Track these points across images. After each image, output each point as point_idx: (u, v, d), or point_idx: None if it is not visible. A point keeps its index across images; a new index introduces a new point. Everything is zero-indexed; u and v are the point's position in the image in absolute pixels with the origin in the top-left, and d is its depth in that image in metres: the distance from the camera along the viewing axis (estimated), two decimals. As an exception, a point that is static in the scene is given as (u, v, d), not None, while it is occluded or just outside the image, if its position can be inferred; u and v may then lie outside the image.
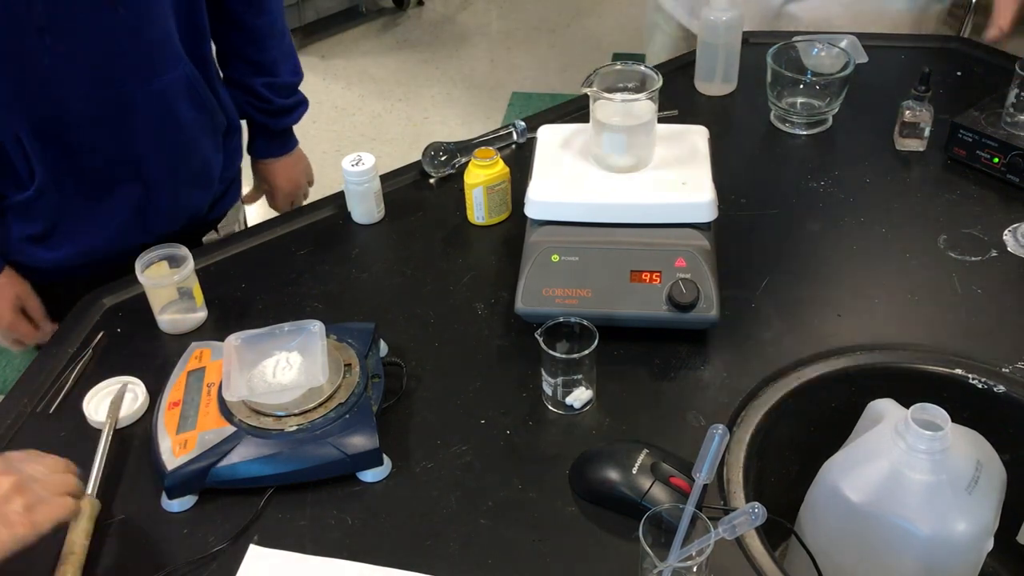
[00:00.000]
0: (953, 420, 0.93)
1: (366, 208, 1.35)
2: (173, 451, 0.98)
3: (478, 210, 1.33)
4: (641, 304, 1.11)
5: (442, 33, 4.06)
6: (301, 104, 1.55)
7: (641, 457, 0.96)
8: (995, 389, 1.09)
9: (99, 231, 1.32)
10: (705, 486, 0.87)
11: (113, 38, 1.19)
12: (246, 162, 1.56)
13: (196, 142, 1.35)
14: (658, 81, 1.14)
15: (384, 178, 1.40)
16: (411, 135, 3.42)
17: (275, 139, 1.56)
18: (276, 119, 1.52)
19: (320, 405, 1.01)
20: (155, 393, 1.09)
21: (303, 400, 1.01)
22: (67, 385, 1.12)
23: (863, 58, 1.62)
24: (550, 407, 1.08)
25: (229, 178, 1.48)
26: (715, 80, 1.59)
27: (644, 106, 1.15)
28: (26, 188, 1.25)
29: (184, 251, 1.18)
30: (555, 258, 1.13)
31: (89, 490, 0.97)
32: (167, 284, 1.17)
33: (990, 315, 1.17)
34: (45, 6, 1.12)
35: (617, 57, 3.70)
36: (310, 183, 1.67)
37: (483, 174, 1.30)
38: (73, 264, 1.33)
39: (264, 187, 1.62)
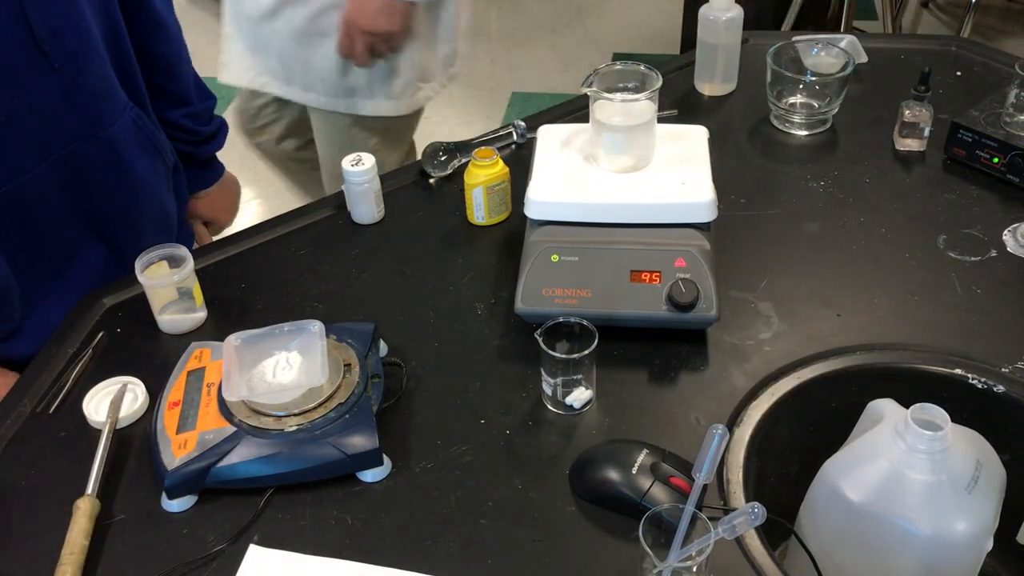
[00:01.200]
0: (953, 420, 0.93)
1: (366, 208, 1.35)
2: (173, 451, 0.98)
3: (478, 210, 1.33)
4: (641, 304, 1.11)
5: (442, 33, 4.06)
6: (222, 128, 1.49)
7: (641, 457, 0.96)
8: (995, 389, 1.09)
9: (67, 306, 1.25)
10: (705, 486, 0.87)
11: (55, 95, 1.14)
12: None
13: (151, 187, 1.30)
14: (658, 81, 1.14)
15: (384, 178, 1.40)
16: (411, 135, 3.42)
17: (204, 169, 1.50)
18: (202, 147, 1.46)
19: (320, 405, 1.01)
20: (155, 393, 1.09)
21: (303, 400, 1.01)
22: (67, 385, 1.12)
23: (863, 58, 1.62)
24: (550, 407, 1.08)
25: (182, 219, 1.44)
26: (715, 80, 1.59)
27: (644, 106, 1.15)
28: None
29: (184, 251, 1.18)
30: (555, 258, 1.13)
31: (89, 490, 0.97)
32: (167, 284, 1.17)
33: (990, 315, 1.17)
34: None
35: (617, 57, 3.70)
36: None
37: (483, 174, 1.30)
38: (39, 347, 1.21)
39: (199, 223, 1.53)
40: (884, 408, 1.02)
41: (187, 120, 1.41)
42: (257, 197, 3.11)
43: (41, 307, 1.23)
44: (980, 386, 1.09)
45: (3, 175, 1.14)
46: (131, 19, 1.26)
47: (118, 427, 1.06)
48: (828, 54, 1.52)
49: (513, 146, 1.51)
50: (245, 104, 1.93)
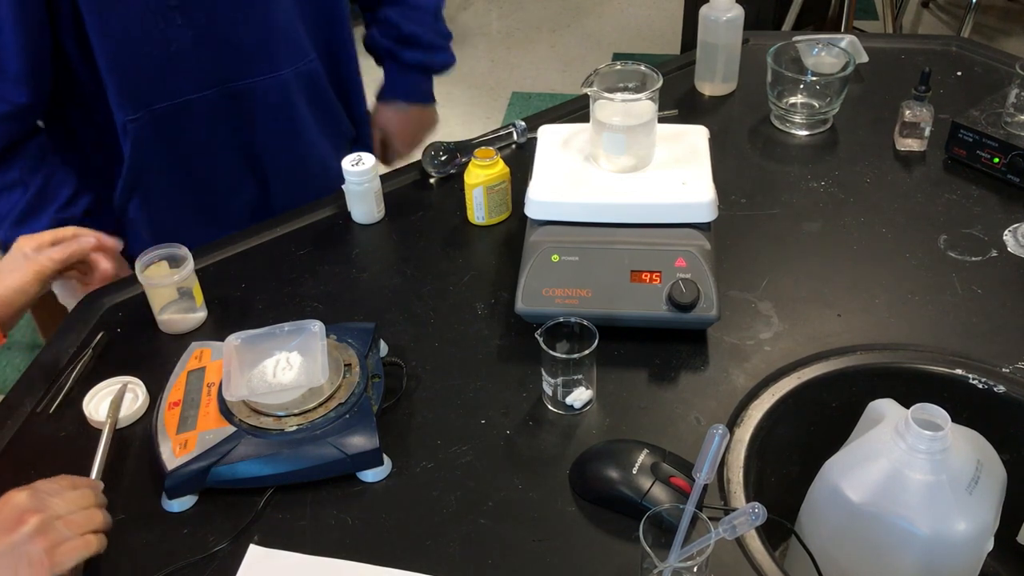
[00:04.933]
0: (953, 420, 0.93)
1: (366, 208, 1.35)
2: (173, 451, 0.98)
3: (478, 210, 1.33)
4: (641, 304, 1.11)
5: (442, 33, 4.05)
6: (442, 49, 1.42)
7: (641, 457, 0.96)
8: (995, 389, 1.09)
9: (213, 238, 1.30)
10: (705, 486, 0.87)
11: (239, 25, 1.19)
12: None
13: (315, 143, 1.32)
14: (658, 81, 1.14)
15: (384, 178, 1.40)
16: (411, 135, 3.41)
17: (403, 76, 1.42)
18: (406, 50, 1.39)
19: (320, 405, 1.01)
20: (155, 393, 1.09)
21: (303, 400, 1.01)
22: (67, 385, 1.12)
23: (863, 58, 1.62)
24: (550, 407, 1.08)
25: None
26: (715, 80, 1.59)
27: (644, 106, 1.15)
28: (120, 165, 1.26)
29: (184, 251, 1.18)
30: (555, 258, 1.13)
31: (89, 490, 0.97)
32: (167, 284, 1.17)
33: (990, 315, 1.17)
34: None
35: (617, 57, 3.70)
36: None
37: (483, 174, 1.30)
38: None
39: (377, 135, 1.51)
40: (884, 408, 1.02)
41: (394, 13, 1.38)
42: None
43: (190, 237, 1.27)
44: (980, 386, 1.09)
45: (173, 91, 1.19)
46: None
47: (118, 427, 1.06)
48: (828, 54, 1.52)
49: (513, 146, 1.51)
50: None
